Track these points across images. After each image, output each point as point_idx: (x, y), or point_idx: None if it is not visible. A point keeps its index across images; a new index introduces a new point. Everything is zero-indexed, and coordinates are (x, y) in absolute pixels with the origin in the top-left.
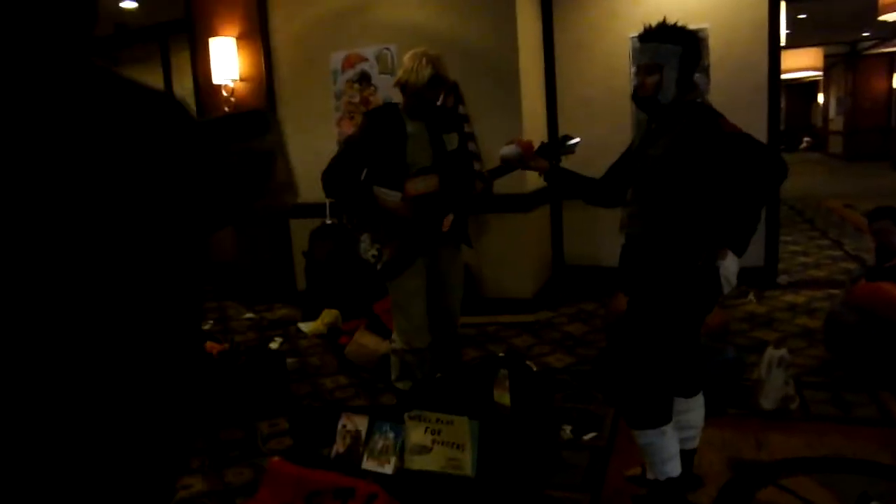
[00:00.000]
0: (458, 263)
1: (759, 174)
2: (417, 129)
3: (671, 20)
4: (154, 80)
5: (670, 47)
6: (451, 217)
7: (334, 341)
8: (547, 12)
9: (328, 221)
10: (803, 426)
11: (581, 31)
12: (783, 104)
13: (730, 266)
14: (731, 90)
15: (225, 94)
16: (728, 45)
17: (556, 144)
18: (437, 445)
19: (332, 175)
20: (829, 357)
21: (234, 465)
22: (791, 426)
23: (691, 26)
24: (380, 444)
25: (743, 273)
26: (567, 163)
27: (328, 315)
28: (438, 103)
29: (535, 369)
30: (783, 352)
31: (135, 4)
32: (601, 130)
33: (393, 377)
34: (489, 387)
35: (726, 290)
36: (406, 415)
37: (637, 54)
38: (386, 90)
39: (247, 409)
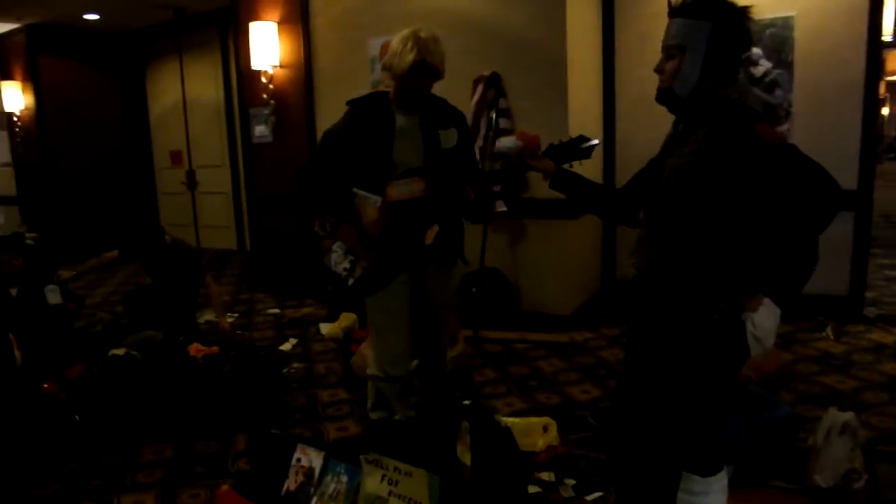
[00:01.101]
0: (446, 283)
1: (801, 199)
2: (408, 123)
3: (750, 5)
4: (213, 65)
5: (696, 23)
6: (435, 228)
7: (346, 348)
8: (608, 1)
9: None
10: None
11: (646, 22)
12: (888, 109)
13: (763, 321)
14: (819, 90)
15: (264, 80)
16: (818, 37)
17: (569, 145)
18: (392, 498)
19: (308, 173)
20: None
21: (196, 482)
22: None
23: (773, 14)
24: (332, 486)
25: (821, 301)
26: (623, 170)
27: (346, 319)
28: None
29: (503, 425)
30: (849, 416)
31: None
32: (663, 134)
33: (368, 405)
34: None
35: (754, 351)
36: (363, 457)
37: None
38: None
39: (227, 419)
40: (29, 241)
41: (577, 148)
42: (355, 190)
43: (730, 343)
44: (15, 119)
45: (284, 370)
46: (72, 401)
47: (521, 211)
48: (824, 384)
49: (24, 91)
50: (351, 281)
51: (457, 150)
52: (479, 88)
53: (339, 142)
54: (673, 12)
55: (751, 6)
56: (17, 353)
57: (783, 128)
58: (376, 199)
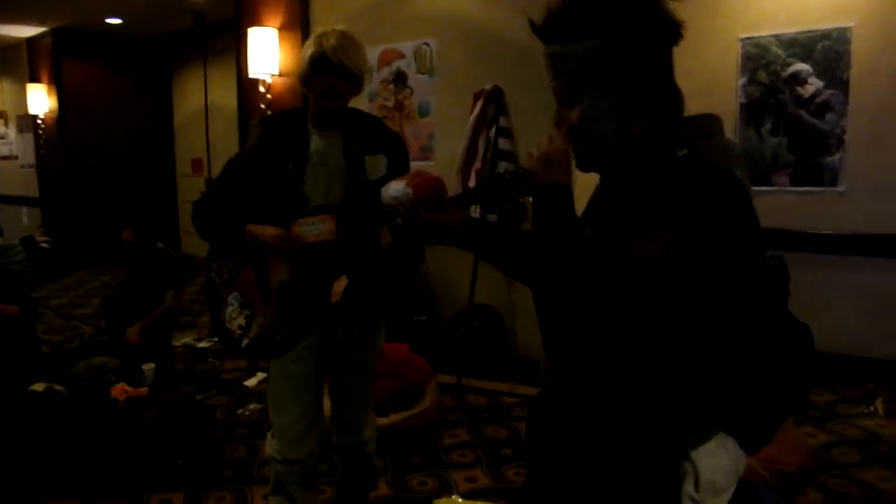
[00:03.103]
0: (362, 351)
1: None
2: (326, 145)
3: (799, 15)
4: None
5: (582, 47)
6: (343, 282)
7: None
8: None
9: None
10: None
11: None
12: None
13: (713, 465)
14: (880, 115)
15: (262, 89)
16: (880, 52)
17: (519, 177)
18: None
19: (202, 208)
20: None
21: None
22: None
23: (826, 25)
24: None
25: (873, 366)
26: None
27: None
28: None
29: None
30: None
31: None
32: None
33: (268, 489)
34: None
35: None
36: None
37: None
38: (424, 94)
39: (143, 474)
40: (44, 245)
41: (526, 180)
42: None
43: (656, 495)
44: (39, 122)
45: (239, 411)
46: None
47: (402, 270)
48: (864, 482)
49: (48, 94)
50: (245, 342)
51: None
52: (479, 104)
53: (242, 169)
54: (544, 39)
55: None
56: None
57: (835, 157)
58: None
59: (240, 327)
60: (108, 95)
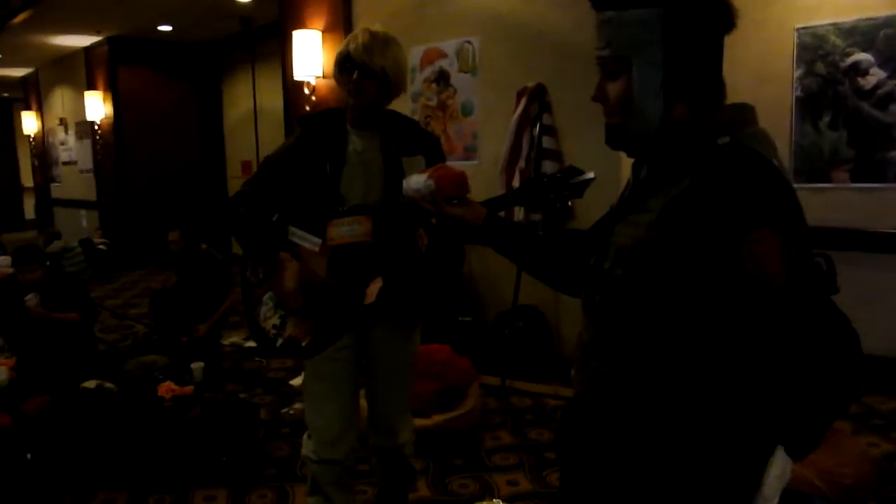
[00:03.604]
0: (398, 351)
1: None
2: (364, 146)
3: (859, 1)
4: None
5: (639, 15)
6: (378, 283)
7: None
8: None
9: None
10: None
11: None
12: None
13: (770, 476)
14: None
15: (307, 91)
16: None
17: (555, 180)
18: None
19: (237, 206)
20: None
21: None
22: None
23: (889, 11)
24: None
25: None
26: None
27: None
28: (352, 101)
29: None
30: None
31: None
32: None
33: (305, 489)
34: None
35: None
36: None
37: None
38: (467, 93)
39: (188, 470)
40: (101, 247)
41: (565, 183)
42: (291, 229)
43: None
44: (96, 128)
45: (283, 410)
46: (26, 437)
47: (438, 272)
48: None
49: (104, 101)
50: (280, 341)
51: None
52: (523, 102)
53: (279, 168)
54: (598, 6)
55: None
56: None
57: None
58: (316, 242)
59: (274, 326)
60: (161, 101)
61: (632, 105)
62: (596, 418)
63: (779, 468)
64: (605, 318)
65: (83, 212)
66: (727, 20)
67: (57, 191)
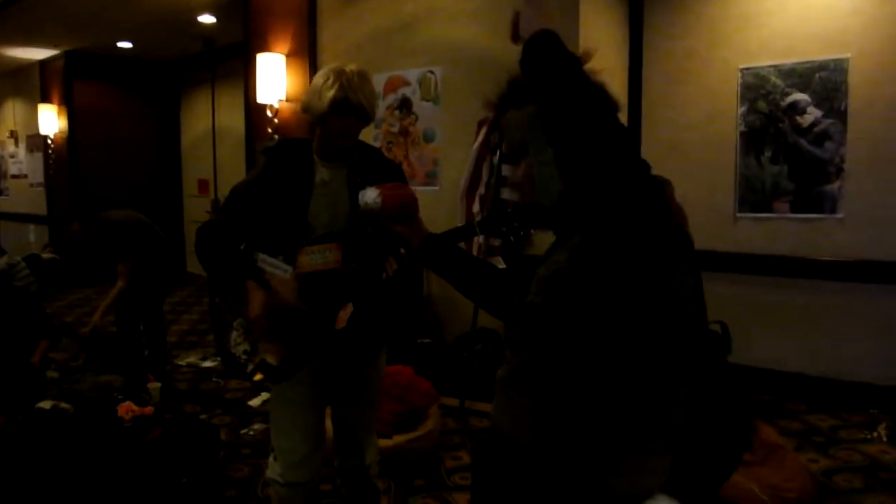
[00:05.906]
0: (364, 376)
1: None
2: (331, 176)
3: (796, 46)
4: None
5: (519, 114)
6: (349, 309)
7: None
8: (636, 37)
9: None
10: None
11: (676, 61)
12: None
13: None
14: (878, 144)
15: (269, 114)
16: (877, 83)
17: (499, 216)
18: None
19: (207, 235)
20: None
21: None
22: None
23: (824, 56)
24: None
25: (876, 392)
26: None
27: None
28: (340, 141)
29: None
30: None
31: (213, 20)
32: (696, 186)
33: None
34: None
35: None
36: None
37: None
38: (429, 120)
39: (148, 493)
40: (52, 256)
41: (528, 213)
42: (261, 257)
43: None
44: (49, 141)
45: (243, 431)
46: None
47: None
48: None
49: (59, 115)
50: (250, 367)
51: None
52: (483, 131)
53: (247, 198)
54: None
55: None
56: None
57: (834, 185)
58: (287, 269)
59: (245, 352)
60: (118, 117)
61: (534, 183)
62: (502, 449)
63: None
64: (524, 348)
65: (32, 226)
66: (605, 104)
67: (4, 204)
